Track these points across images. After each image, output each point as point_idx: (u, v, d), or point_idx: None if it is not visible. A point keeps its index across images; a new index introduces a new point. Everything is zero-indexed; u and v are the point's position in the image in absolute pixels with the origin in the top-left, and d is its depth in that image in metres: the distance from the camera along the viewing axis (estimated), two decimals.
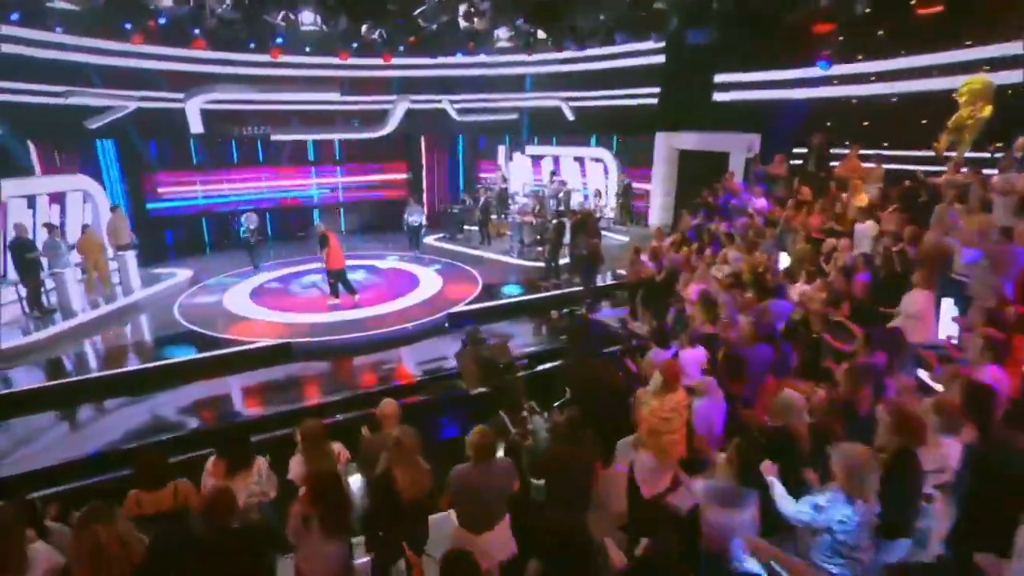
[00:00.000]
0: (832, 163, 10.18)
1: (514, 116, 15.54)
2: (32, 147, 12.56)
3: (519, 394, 5.09)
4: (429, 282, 11.75)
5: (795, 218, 8.91)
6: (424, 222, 13.03)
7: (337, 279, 10.10)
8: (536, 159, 17.14)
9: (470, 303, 10.31)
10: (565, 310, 8.93)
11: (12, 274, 9.76)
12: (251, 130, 15.38)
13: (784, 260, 8.23)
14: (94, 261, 10.74)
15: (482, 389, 5.56)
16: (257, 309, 10.20)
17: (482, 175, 17.34)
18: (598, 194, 14.60)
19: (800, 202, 9.15)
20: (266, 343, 8.55)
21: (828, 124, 10.81)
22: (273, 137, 14.94)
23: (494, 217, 14.83)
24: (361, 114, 15.95)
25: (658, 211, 14.15)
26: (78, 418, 7.10)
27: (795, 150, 11.20)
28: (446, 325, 9.68)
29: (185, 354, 8.22)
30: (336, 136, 15.97)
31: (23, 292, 9.74)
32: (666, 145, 13.83)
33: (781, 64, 11.47)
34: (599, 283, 10.75)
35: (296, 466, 4.04)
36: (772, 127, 11.65)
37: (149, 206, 14.66)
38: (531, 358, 7.51)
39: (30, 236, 9.99)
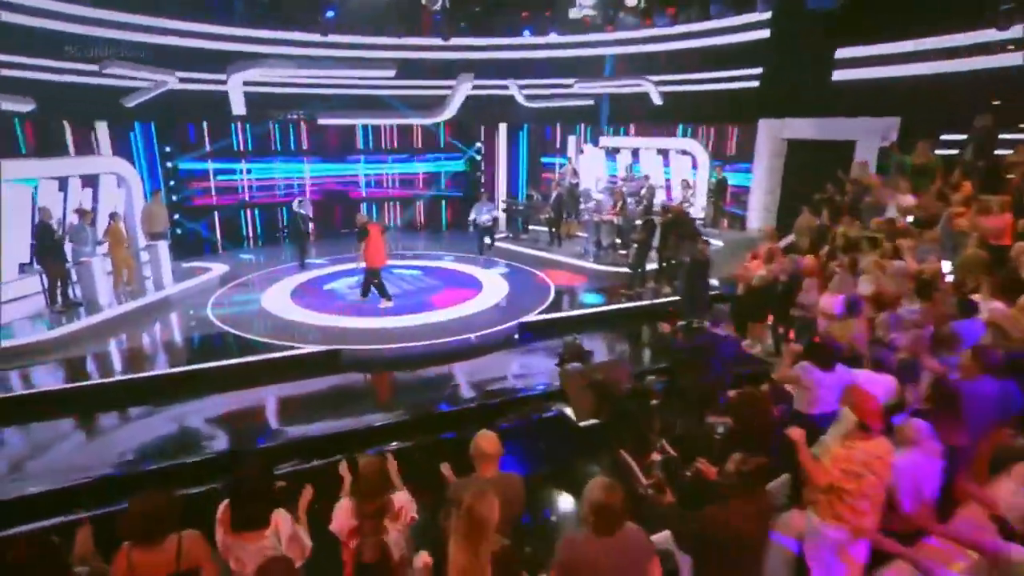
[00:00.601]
0: (1001, 151, 8.90)
1: (590, 102, 14.75)
2: (68, 128, 12.63)
3: (649, 430, 4.16)
4: (493, 286, 11.18)
5: (961, 217, 7.72)
6: (497, 220, 12.22)
7: (373, 279, 9.69)
8: (612, 152, 16.49)
9: (543, 312, 9.64)
10: (680, 323, 7.98)
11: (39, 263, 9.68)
12: (296, 114, 15.22)
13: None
14: (120, 256, 10.54)
15: (593, 421, 4.67)
16: (300, 311, 9.83)
17: (552, 169, 16.58)
18: (687, 185, 13.52)
19: (967, 198, 7.95)
20: (310, 350, 8.06)
21: (997, 103, 9.51)
22: (320, 121, 14.62)
23: (566, 216, 14.06)
24: (415, 99, 15.51)
25: (759, 211, 13.03)
26: (92, 428, 6.71)
27: (945, 136, 9.95)
28: (516, 337, 8.98)
29: (217, 359, 7.87)
30: (389, 121, 15.65)
31: (46, 283, 9.67)
32: (770, 134, 12.72)
33: (928, 30, 10.21)
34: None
35: (343, 516, 3.27)
36: (915, 109, 10.40)
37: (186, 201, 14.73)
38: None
39: (55, 221, 9.85)
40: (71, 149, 12.52)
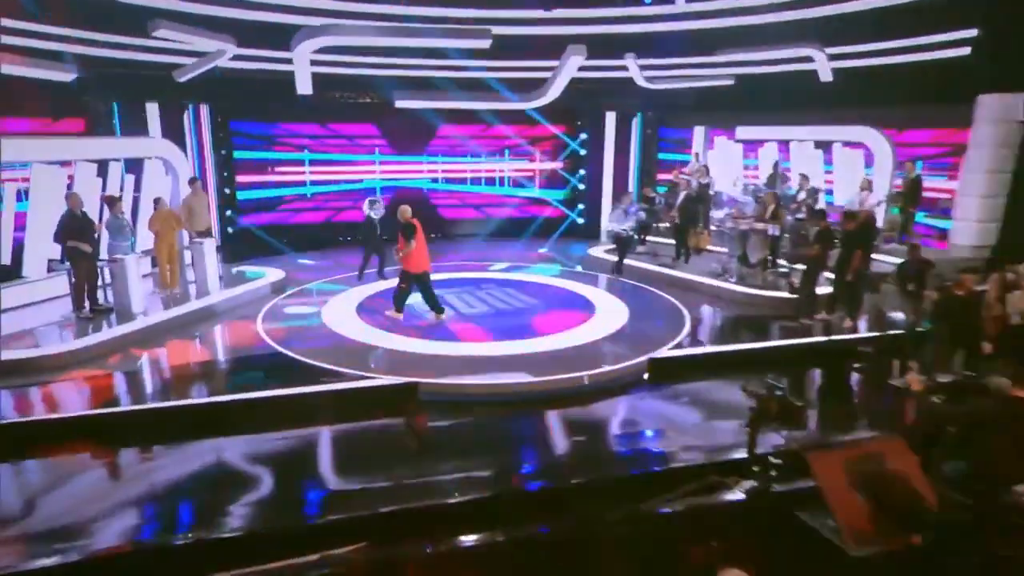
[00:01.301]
0: None
1: (728, 82, 13.27)
2: (116, 107, 12.58)
3: None
4: (609, 309, 10.07)
5: None
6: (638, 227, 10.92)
7: (418, 288, 9.37)
8: (752, 144, 15.07)
9: (677, 346, 8.53)
10: (938, 377, 6.33)
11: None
12: (368, 97, 14.79)
13: None
14: (168, 247, 10.09)
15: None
16: (367, 329, 9.11)
17: (673, 166, 15.39)
18: (865, 186, 11.72)
19: None
20: (379, 381, 7.25)
21: None
22: (397, 103, 13.92)
23: (695, 225, 12.71)
24: (509, 83, 14.63)
25: (971, 223, 10.99)
26: (103, 472, 5.90)
27: None
28: (645, 377, 7.79)
29: (264, 387, 7.15)
30: (478, 105, 14.83)
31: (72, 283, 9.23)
32: (995, 116, 10.69)
33: None
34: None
35: None
36: None
37: (240, 196, 14.65)
38: None
39: (84, 210, 9.29)
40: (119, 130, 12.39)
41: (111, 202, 9.66)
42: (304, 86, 12.64)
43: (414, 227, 9.11)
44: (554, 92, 13.22)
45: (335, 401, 6.91)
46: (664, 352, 8.26)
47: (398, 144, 16.07)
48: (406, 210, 9.48)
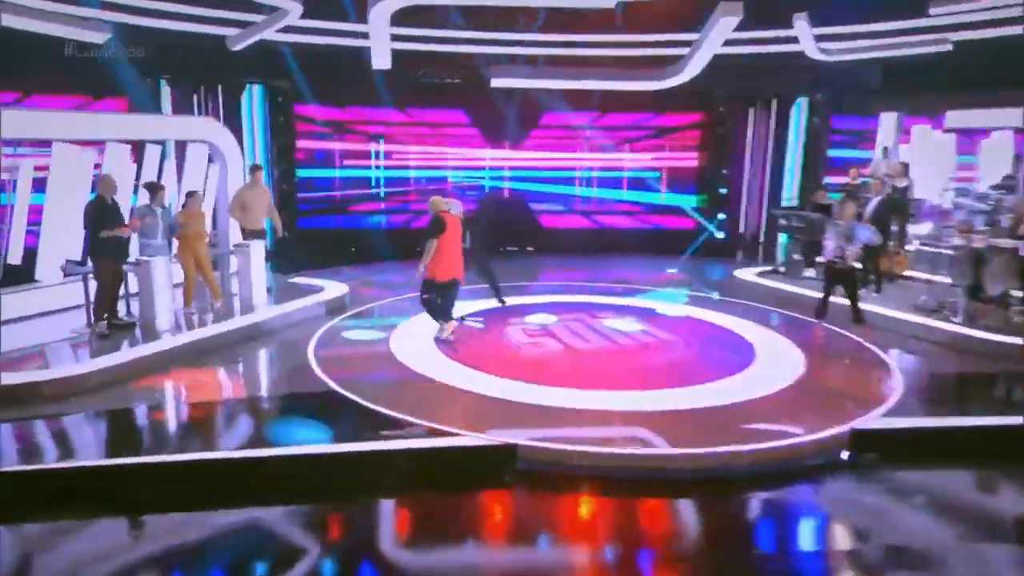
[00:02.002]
0: None
1: (946, 47, 11.72)
2: (165, 85, 12.96)
3: None
4: (773, 354, 8.82)
5: None
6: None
7: (440, 297, 9.07)
8: (970, 135, 13.75)
9: (890, 413, 7.01)
10: None
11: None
12: (459, 74, 14.60)
13: None
14: (193, 253, 9.54)
15: None
16: (446, 363, 8.36)
17: (851, 166, 14.16)
18: None
19: None
20: (462, 438, 6.32)
21: None
22: (494, 82, 13.51)
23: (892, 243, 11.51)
24: (635, 59, 13.94)
25: None
26: (96, 544, 5.08)
27: None
28: (844, 456, 6.43)
29: (309, 438, 6.50)
30: (591, 85, 14.27)
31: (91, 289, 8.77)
32: None
33: None
34: None
35: None
36: None
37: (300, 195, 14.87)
38: None
39: (115, 198, 8.82)
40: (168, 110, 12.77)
41: (153, 190, 9.12)
42: (381, 59, 12.35)
43: (441, 222, 8.73)
44: (693, 69, 12.46)
45: (400, 462, 6.18)
46: (871, 422, 6.73)
47: (492, 135, 15.96)
48: (439, 201, 9.07)
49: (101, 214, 8.40)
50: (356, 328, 9.94)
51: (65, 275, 9.35)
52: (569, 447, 6.16)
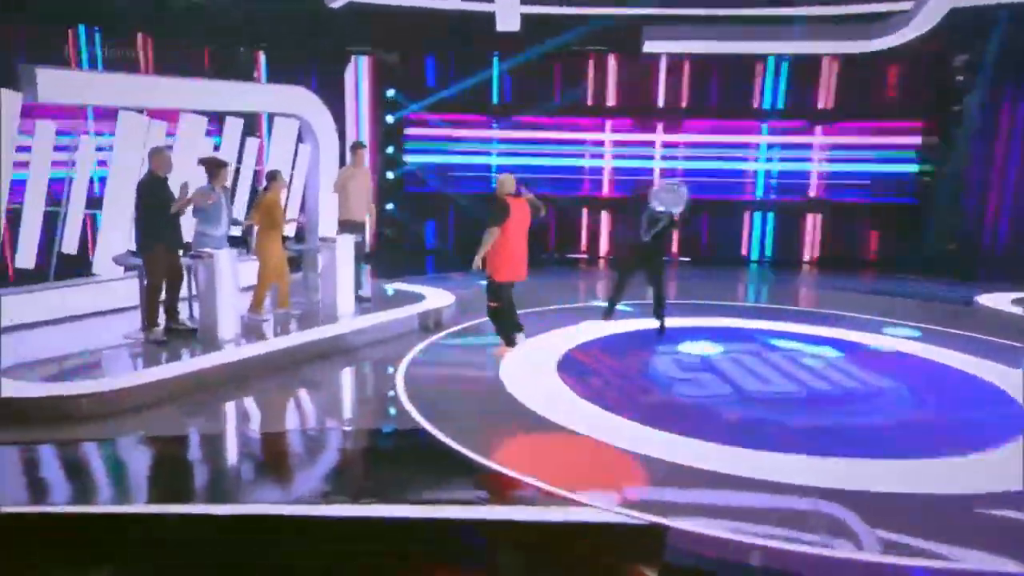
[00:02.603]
0: None
1: None
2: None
3: None
4: None
5: None
6: None
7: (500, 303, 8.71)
8: None
9: None
10: None
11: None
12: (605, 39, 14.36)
13: None
14: (270, 246, 9.04)
15: None
16: (573, 400, 7.64)
17: None
18: None
19: None
20: (587, 510, 5.50)
21: None
22: (648, 45, 13.15)
23: None
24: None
25: None
26: None
27: None
28: None
29: (373, 494, 5.71)
30: (777, 47, 13.82)
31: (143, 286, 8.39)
32: None
33: None
34: None
35: None
36: None
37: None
38: None
39: (167, 176, 8.33)
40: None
41: (214, 168, 8.56)
42: (508, 20, 12.33)
43: (507, 208, 8.25)
44: (924, 22, 11.52)
45: (507, 534, 5.43)
46: None
47: (640, 115, 15.37)
48: (507, 180, 8.52)
49: (154, 194, 7.94)
50: (460, 348, 9.39)
51: (124, 269, 9.10)
52: (742, 536, 5.10)
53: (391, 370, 8.30)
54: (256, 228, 9.00)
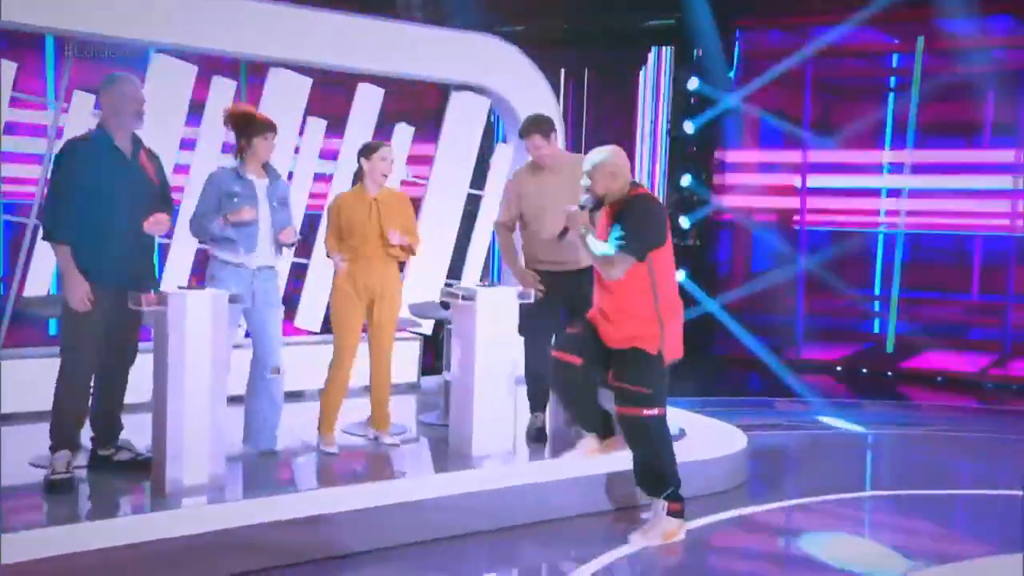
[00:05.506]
0: None
1: None
2: None
3: None
4: None
5: None
6: None
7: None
8: None
9: None
10: None
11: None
12: None
13: None
14: (362, 295, 4.99)
15: None
16: None
17: None
18: None
19: None
20: None
21: None
22: None
23: None
24: None
25: None
26: None
27: None
28: None
29: None
30: None
31: None
32: None
33: None
34: None
35: None
36: None
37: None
38: None
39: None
40: None
41: (246, 129, 4.59)
42: None
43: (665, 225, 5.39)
44: None
45: None
46: None
47: None
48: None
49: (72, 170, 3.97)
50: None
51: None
52: None
53: None
54: (337, 258, 4.80)
